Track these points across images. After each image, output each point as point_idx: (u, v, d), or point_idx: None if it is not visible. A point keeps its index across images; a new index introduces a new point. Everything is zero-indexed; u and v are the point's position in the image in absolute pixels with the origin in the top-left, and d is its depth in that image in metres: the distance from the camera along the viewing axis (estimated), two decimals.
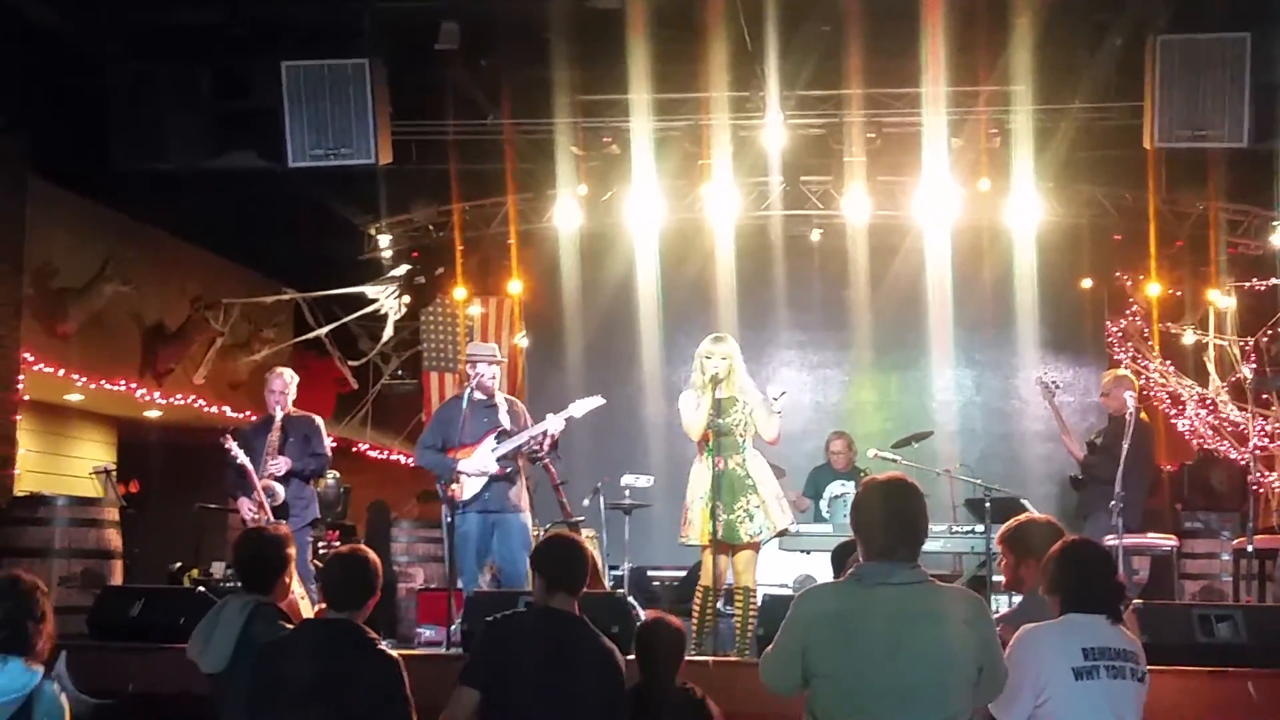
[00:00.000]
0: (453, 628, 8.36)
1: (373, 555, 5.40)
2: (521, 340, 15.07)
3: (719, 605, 8.47)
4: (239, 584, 6.12)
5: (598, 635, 5.16)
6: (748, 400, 8.14)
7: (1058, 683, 4.50)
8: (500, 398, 9.24)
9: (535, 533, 9.51)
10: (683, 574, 11.31)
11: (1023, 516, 5.37)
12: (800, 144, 12.46)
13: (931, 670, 4.11)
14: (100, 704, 7.13)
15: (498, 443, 9.02)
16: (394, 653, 5.17)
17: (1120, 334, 14.52)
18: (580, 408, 9.13)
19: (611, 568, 10.89)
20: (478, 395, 9.10)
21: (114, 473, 11.72)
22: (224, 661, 5.45)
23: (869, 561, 4.27)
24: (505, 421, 9.08)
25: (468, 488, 8.94)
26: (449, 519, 8.87)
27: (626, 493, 10.62)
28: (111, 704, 7.16)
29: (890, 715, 4.08)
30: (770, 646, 4.38)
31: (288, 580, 5.73)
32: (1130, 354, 14.29)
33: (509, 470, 9.06)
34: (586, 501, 10.89)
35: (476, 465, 8.96)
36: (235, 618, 5.50)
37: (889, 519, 4.28)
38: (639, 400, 13.95)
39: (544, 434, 9.06)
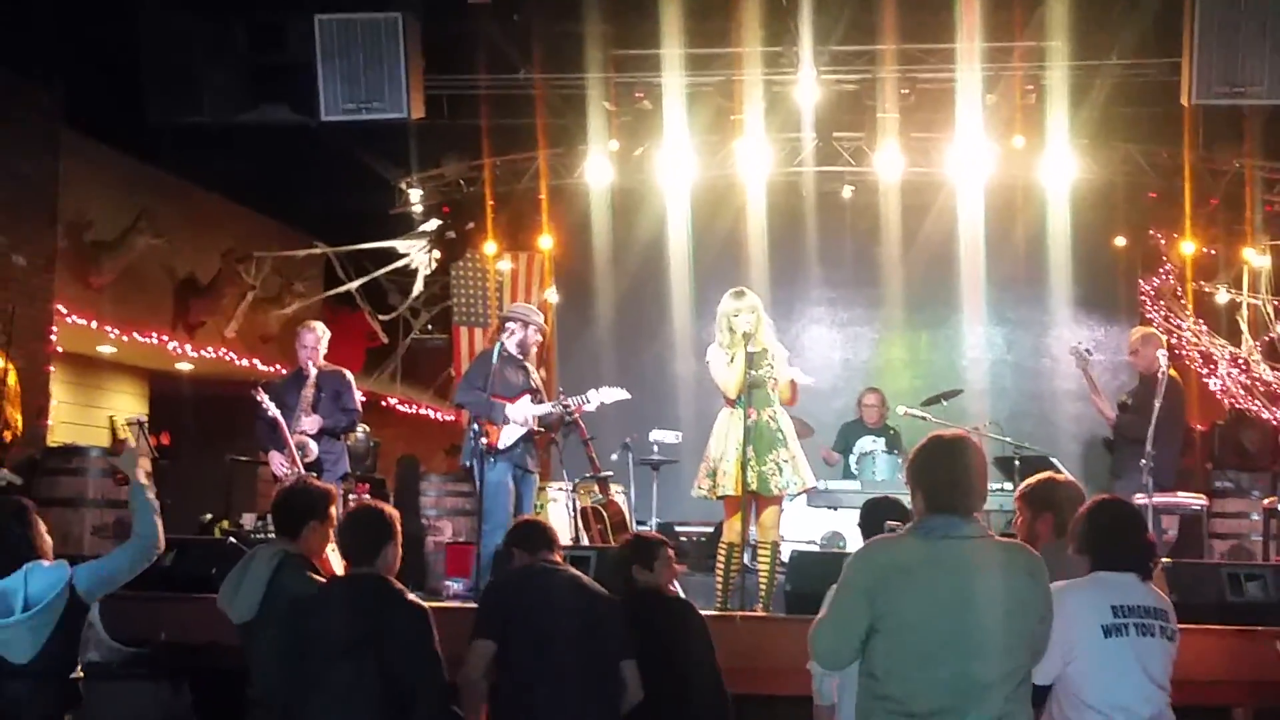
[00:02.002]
0: (467, 582, 8.47)
1: (383, 506, 5.46)
2: (551, 296, 15.06)
3: (745, 560, 8.49)
4: (273, 534, 6.17)
5: (585, 580, 5.48)
6: (775, 353, 8.13)
7: (1087, 640, 4.50)
8: (529, 362, 9.38)
9: (564, 486, 9.61)
10: (709, 529, 11.33)
11: (1044, 474, 5.34)
12: (833, 100, 12.40)
13: (1001, 621, 4.07)
14: (132, 652, 7.25)
15: (534, 404, 9.10)
16: (423, 602, 5.23)
17: (1153, 293, 14.43)
18: (607, 395, 9.27)
19: (639, 523, 10.92)
20: (514, 352, 9.16)
21: (146, 424, 11.77)
22: (252, 611, 5.49)
23: (931, 515, 4.20)
24: (536, 385, 9.18)
25: (504, 438, 8.98)
26: (478, 464, 8.91)
27: (655, 448, 10.64)
28: (143, 652, 7.28)
29: (961, 665, 4.02)
30: (821, 616, 4.28)
31: (322, 534, 5.75)
32: (1163, 313, 14.21)
33: (537, 431, 9.16)
34: (615, 456, 10.91)
35: (521, 414, 9.02)
36: (263, 568, 5.54)
37: (956, 473, 4.21)
38: (668, 356, 13.95)
39: (579, 406, 9.29)
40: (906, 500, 4.79)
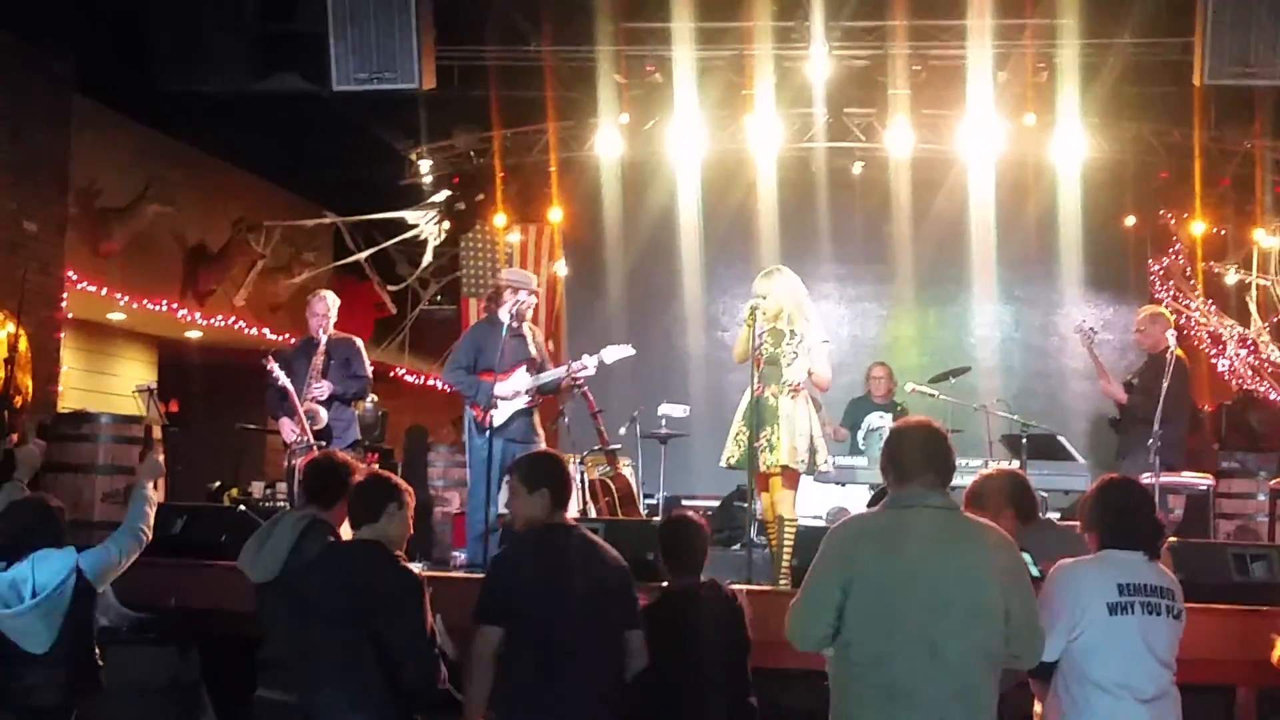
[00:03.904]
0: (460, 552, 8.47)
1: (390, 475, 5.49)
2: (560, 269, 15.08)
3: (753, 535, 8.50)
4: (281, 502, 6.22)
5: (596, 538, 5.26)
6: (805, 337, 8.05)
7: (1092, 617, 4.53)
8: (526, 327, 9.17)
9: (572, 458, 9.52)
10: (716, 503, 11.36)
11: (979, 476, 5.29)
12: (844, 75, 12.38)
13: (969, 589, 4.19)
14: (142, 617, 7.29)
15: (529, 375, 9.01)
16: (416, 571, 5.23)
17: (1162, 272, 14.41)
18: (611, 354, 9.06)
19: (646, 496, 10.94)
20: (509, 322, 9.06)
21: (155, 391, 11.80)
22: (274, 572, 5.55)
23: (903, 486, 4.38)
24: (533, 353, 9.05)
25: (498, 416, 8.93)
26: (473, 440, 8.90)
27: (663, 422, 10.64)
28: (152, 618, 7.32)
29: (926, 629, 4.14)
30: (795, 599, 4.41)
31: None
32: (1172, 293, 14.18)
33: (536, 403, 9.09)
34: (623, 430, 10.92)
35: (511, 389, 8.95)
36: (289, 531, 5.59)
37: (925, 448, 4.41)
38: (677, 330, 13.98)
39: (575, 373, 9.12)
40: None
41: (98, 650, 5.55)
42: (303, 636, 5.13)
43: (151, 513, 5.69)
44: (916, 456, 4.40)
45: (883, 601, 4.20)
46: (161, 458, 6.00)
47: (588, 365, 9.01)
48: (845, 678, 4.28)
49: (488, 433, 8.86)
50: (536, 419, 9.16)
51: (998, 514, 4.85)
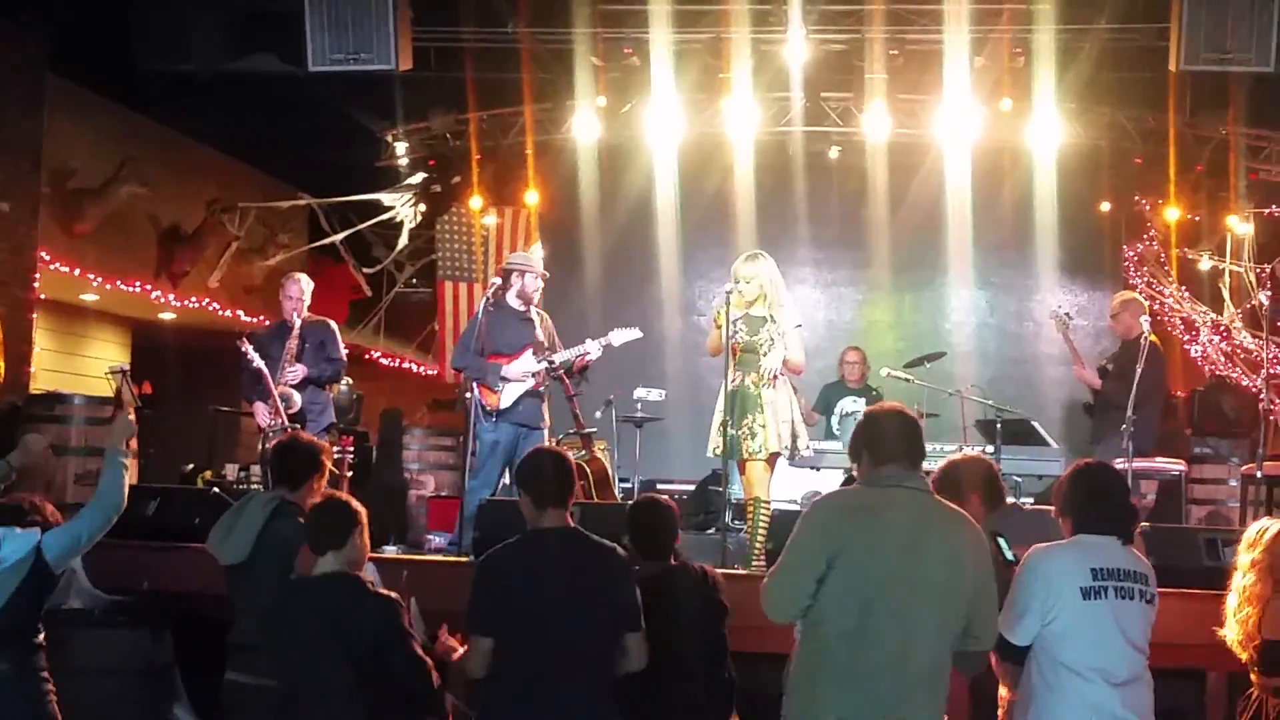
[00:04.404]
0: (450, 536, 8.46)
1: (348, 498, 5.33)
2: (537, 251, 15.03)
3: (728, 519, 8.52)
4: (255, 485, 6.21)
5: (595, 541, 5.08)
6: (780, 323, 8.07)
7: (1065, 602, 4.55)
8: (534, 312, 9.19)
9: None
10: (691, 487, 11.38)
11: (944, 462, 5.30)
12: (821, 59, 12.36)
13: (947, 572, 4.25)
14: (115, 599, 7.27)
15: (536, 358, 9.00)
16: (389, 593, 5.09)
17: (1137, 258, 14.45)
18: (619, 337, 9.08)
19: (622, 480, 10.93)
20: (516, 305, 9.09)
21: (129, 373, 11.74)
22: (243, 553, 5.54)
23: (879, 469, 4.42)
24: (540, 337, 9.07)
25: (504, 397, 8.93)
26: (477, 423, 8.90)
27: (639, 406, 10.63)
28: (125, 600, 7.30)
29: (907, 610, 4.20)
30: (773, 569, 4.43)
31: (317, 487, 5.79)
32: (1146, 279, 14.23)
33: (543, 386, 9.07)
34: (599, 414, 10.89)
35: (519, 370, 8.95)
36: (259, 512, 5.59)
37: (899, 430, 4.48)
38: (654, 314, 13.95)
39: (582, 356, 9.06)
40: None
41: (41, 636, 5.47)
42: (282, 669, 5.08)
43: (126, 481, 5.63)
44: (892, 440, 4.45)
45: (865, 576, 4.23)
46: (132, 416, 5.90)
47: (596, 346, 9.02)
48: (813, 651, 4.30)
49: (494, 416, 8.89)
50: (545, 404, 9.17)
51: (965, 498, 4.87)
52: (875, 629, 4.18)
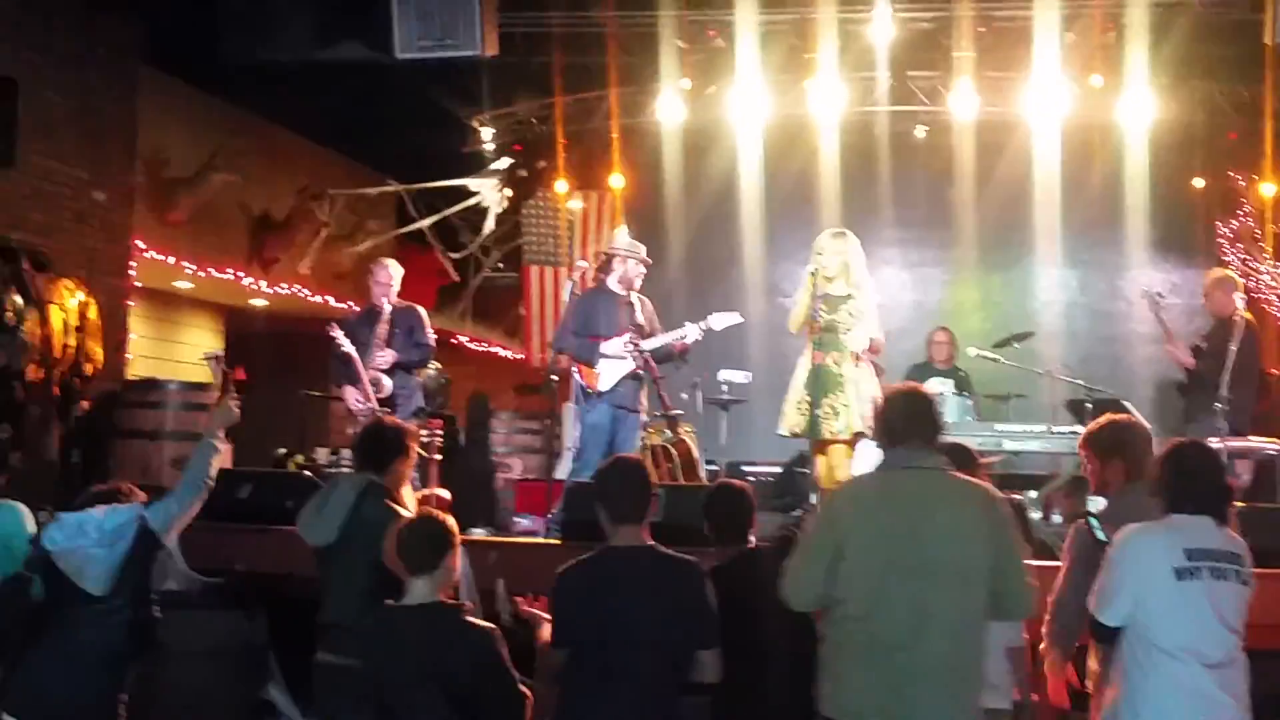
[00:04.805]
0: (549, 515, 8.49)
1: (443, 517, 5.20)
2: (622, 235, 15.02)
3: (814, 501, 8.49)
4: (346, 468, 6.27)
5: (670, 558, 5.03)
6: (861, 301, 8.05)
7: (1158, 582, 4.49)
8: (635, 297, 9.20)
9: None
10: (778, 470, 11.35)
11: (1105, 418, 5.30)
12: (908, 38, 12.28)
13: (956, 549, 4.36)
14: (210, 581, 7.39)
15: (632, 341, 8.98)
16: (488, 625, 5.03)
17: (1231, 235, 14.21)
18: (719, 321, 9.04)
19: (708, 463, 10.94)
20: (618, 290, 9.13)
21: (223, 359, 11.91)
22: (332, 535, 5.61)
23: (892, 450, 4.59)
24: (641, 320, 9.09)
25: (604, 379, 8.97)
26: (578, 404, 8.97)
27: (724, 388, 10.63)
28: (220, 582, 7.42)
29: (912, 588, 4.30)
30: (793, 555, 4.60)
31: (404, 470, 5.87)
32: (1241, 256, 13.99)
33: (642, 369, 9.08)
34: (685, 396, 10.92)
35: (619, 350, 8.95)
36: (348, 494, 5.65)
37: (909, 411, 4.62)
38: (739, 297, 13.90)
39: (682, 339, 9.06)
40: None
41: (157, 609, 5.60)
42: (378, 702, 4.97)
43: (215, 462, 5.72)
44: (902, 420, 4.60)
45: (872, 561, 4.37)
46: (235, 404, 6.00)
47: (696, 329, 9.00)
48: (836, 634, 4.46)
49: (595, 398, 8.95)
50: (642, 389, 9.16)
51: (1109, 461, 5.10)
52: (886, 613, 4.32)
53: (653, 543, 5.07)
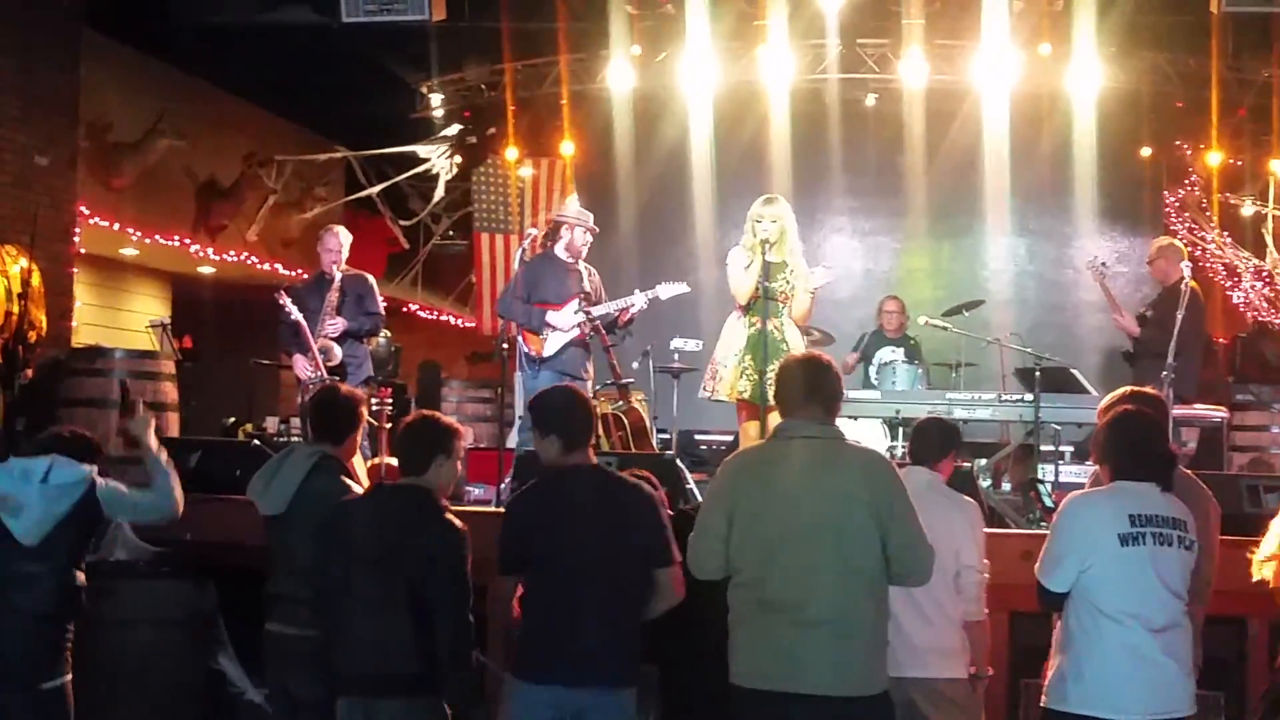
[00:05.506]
0: (502, 485, 8.47)
1: (441, 418, 5.31)
2: (573, 202, 14.99)
3: None
4: (298, 438, 6.23)
5: (621, 478, 5.08)
6: (795, 267, 8.10)
7: (1103, 548, 4.53)
8: (582, 265, 9.19)
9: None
10: (729, 438, 11.36)
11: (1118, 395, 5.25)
12: (858, 5, 12.29)
13: (839, 513, 4.40)
14: (158, 551, 7.33)
15: (582, 308, 8.98)
16: (460, 524, 5.03)
17: (1178, 204, 14.32)
18: (666, 290, 9.06)
19: (660, 431, 10.95)
20: (565, 257, 9.10)
21: (169, 327, 11.83)
22: (282, 505, 5.56)
23: (787, 419, 4.63)
24: (587, 289, 9.07)
25: (549, 344, 8.97)
26: (524, 371, 8.95)
27: (675, 356, 10.63)
28: (168, 551, 7.36)
29: (797, 554, 4.37)
30: (694, 530, 4.64)
31: (356, 439, 5.84)
32: (1188, 225, 14.11)
33: (588, 336, 9.08)
34: (636, 364, 10.92)
35: (565, 321, 8.96)
36: (301, 464, 5.60)
37: (804, 381, 4.62)
38: (690, 264, 13.90)
39: (626, 308, 9.06)
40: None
41: (82, 577, 5.51)
42: (332, 575, 5.07)
43: (178, 489, 5.63)
44: (798, 389, 4.62)
45: (759, 528, 4.45)
46: (143, 414, 5.88)
47: (642, 298, 9.00)
48: (734, 602, 4.52)
49: (537, 364, 8.94)
50: (588, 355, 9.17)
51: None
52: (774, 580, 4.39)
53: (600, 464, 5.16)
